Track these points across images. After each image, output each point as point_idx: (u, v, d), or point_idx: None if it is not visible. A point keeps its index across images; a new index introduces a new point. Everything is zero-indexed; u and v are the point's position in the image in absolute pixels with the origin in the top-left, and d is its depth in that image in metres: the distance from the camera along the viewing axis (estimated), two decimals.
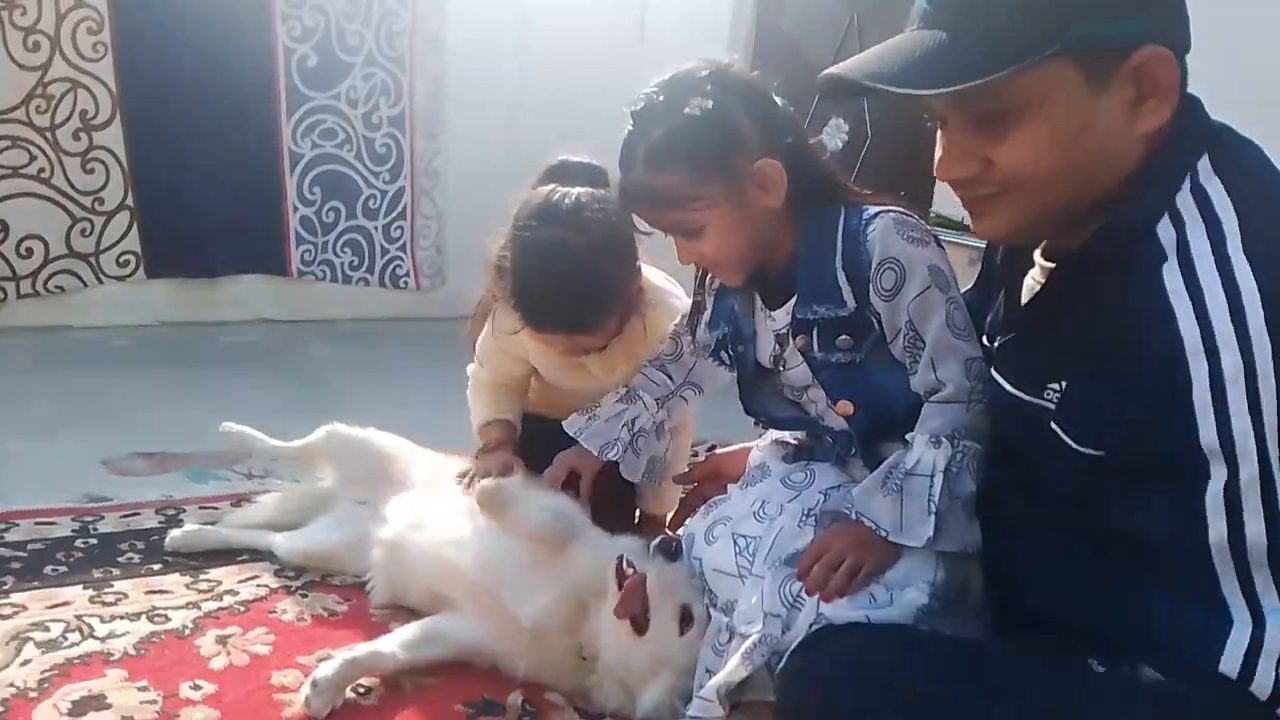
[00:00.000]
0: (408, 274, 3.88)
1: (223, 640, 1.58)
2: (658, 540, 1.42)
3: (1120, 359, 0.98)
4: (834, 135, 3.42)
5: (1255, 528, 0.91)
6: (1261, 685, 0.92)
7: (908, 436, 1.33)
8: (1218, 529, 0.92)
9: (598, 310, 1.64)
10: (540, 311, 1.64)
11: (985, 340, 1.33)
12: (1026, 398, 1.14)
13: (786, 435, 1.54)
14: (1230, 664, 0.93)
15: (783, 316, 1.44)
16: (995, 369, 1.23)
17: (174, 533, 1.87)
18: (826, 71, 1.12)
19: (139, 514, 2.01)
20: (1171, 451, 0.94)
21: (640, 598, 1.40)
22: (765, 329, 1.49)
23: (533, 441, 1.95)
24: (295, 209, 3.62)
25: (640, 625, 1.40)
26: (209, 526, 1.92)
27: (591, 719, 1.45)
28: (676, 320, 1.71)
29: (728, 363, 1.57)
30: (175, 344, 3.29)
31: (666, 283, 1.87)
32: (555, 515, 1.55)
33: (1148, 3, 1.00)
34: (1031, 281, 1.21)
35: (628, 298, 1.68)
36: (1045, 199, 1.07)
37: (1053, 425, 1.08)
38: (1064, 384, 1.07)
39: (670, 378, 1.70)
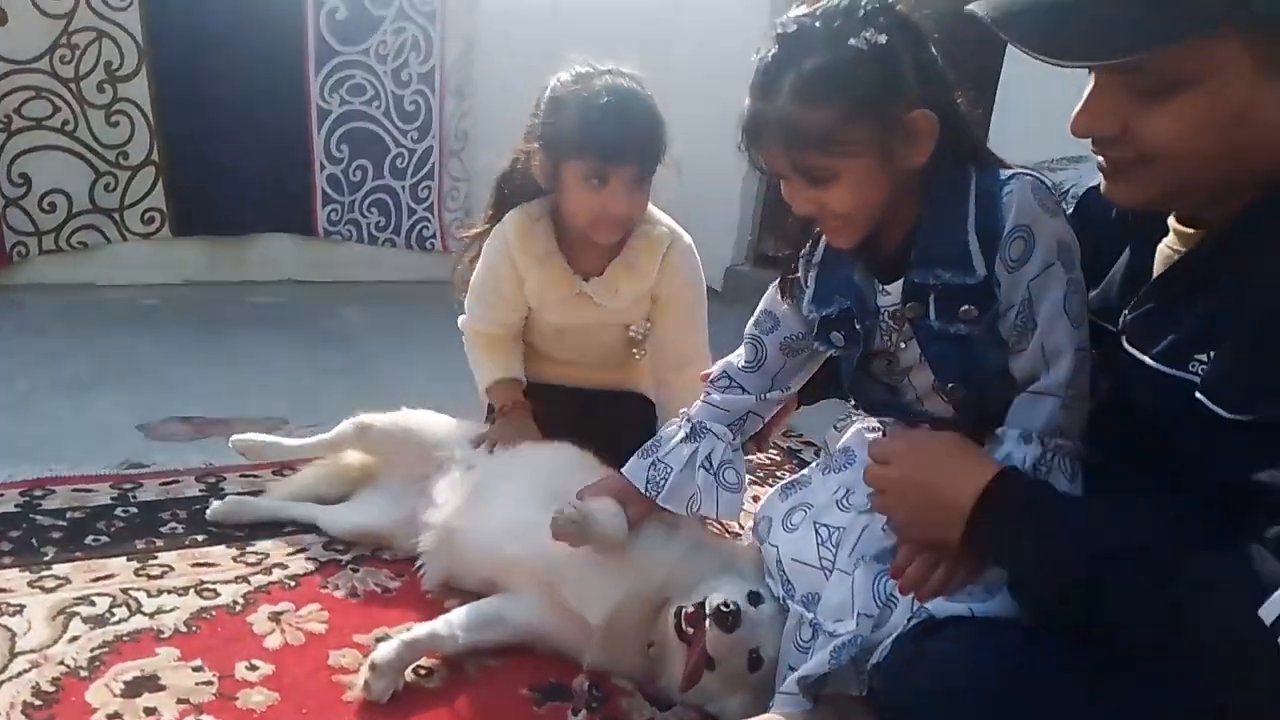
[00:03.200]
0: (434, 235, 3.80)
1: (276, 617, 1.53)
2: (713, 612, 1.31)
3: None
4: None
5: None
6: None
7: (998, 432, 1.25)
8: None
9: (660, 145, 1.71)
10: (616, 137, 1.66)
11: (1102, 322, 1.24)
12: (1169, 370, 1.05)
13: (873, 432, 1.44)
14: (1269, 613, 0.87)
15: (897, 290, 1.31)
16: (1128, 342, 1.13)
17: (216, 504, 1.82)
18: (970, 8, 1.02)
19: (179, 481, 1.95)
20: None
21: (701, 668, 1.33)
22: (879, 306, 1.37)
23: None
24: (322, 167, 3.53)
25: (712, 665, 1.34)
26: (251, 497, 1.86)
27: (660, 705, 1.40)
28: (765, 299, 1.53)
29: (840, 344, 1.41)
30: (204, 304, 3.22)
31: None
32: (621, 521, 1.45)
33: None
34: (1168, 250, 1.13)
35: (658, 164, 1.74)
36: (1187, 176, 0.99)
37: (1198, 396, 1.00)
38: (1215, 353, 1.00)
39: (745, 389, 1.51)
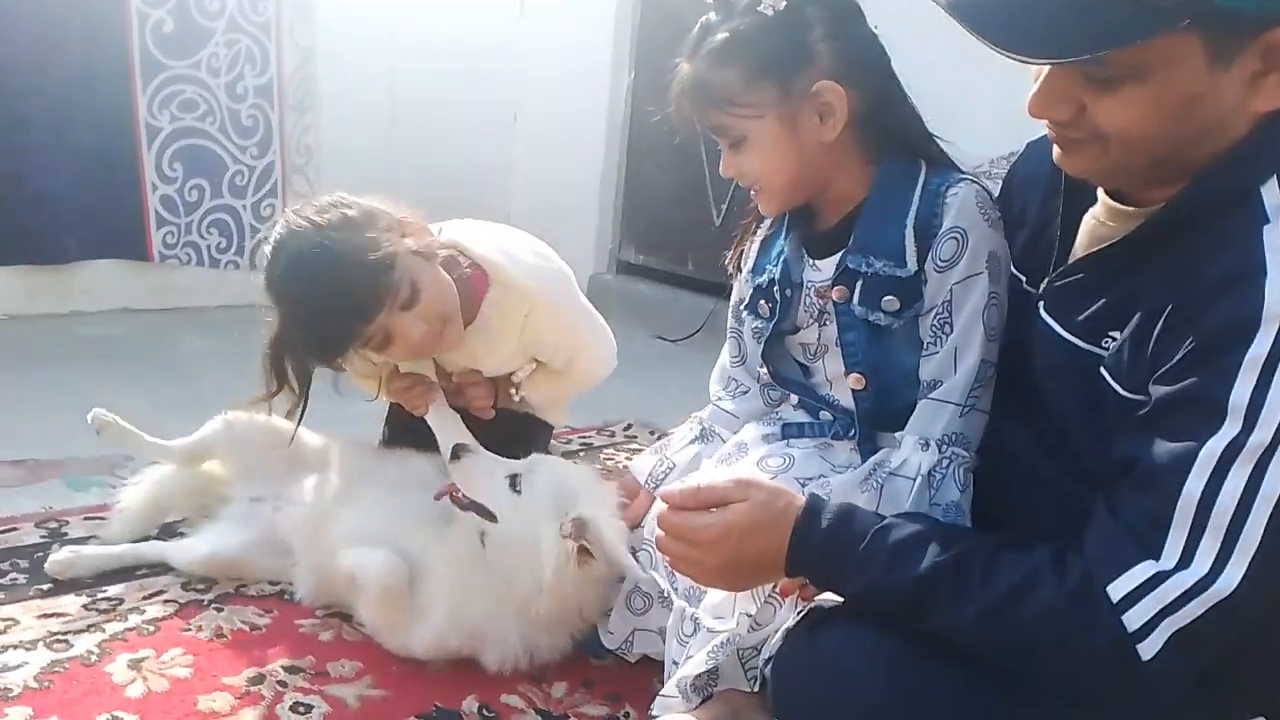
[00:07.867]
0: None
1: (136, 665, 1.43)
2: (451, 451, 1.50)
3: (1200, 311, 0.94)
4: None
5: (1232, 488, 0.90)
6: (1133, 619, 0.92)
7: (897, 435, 1.30)
8: (1197, 480, 0.91)
9: (385, 291, 1.48)
10: (325, 345, 1.55)
11: (1020, 274, 1.26)
12: (1082, 344, 1.09)
13: (771, 424, 1.47)
14: (1118, 589, 0.94)
15: (829, 267, 1.34)
16: (1046, 311, 1.14)
17: (54, 555, 1.65)
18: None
19: (17, 529, 1.81)
20: (1201, 398, 0.92)
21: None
22: (806, 280, 1.39)
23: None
24: (154, 188, 3.34)
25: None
26: (88, 547, 1.70)
27: None
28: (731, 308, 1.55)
29: (765, 315, 1.43)
30: (27, 339, 2.99)
31: (527, 249, 1.74)
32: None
33: None
34: (1095, 222, 1.13)
35: (392, 278, 1.49)
36: (1136, 157, 1.01)
37: (1102, 371, 1.04)
38: (1125, 331, 1.02)
39: (745, 388, 1.54)
